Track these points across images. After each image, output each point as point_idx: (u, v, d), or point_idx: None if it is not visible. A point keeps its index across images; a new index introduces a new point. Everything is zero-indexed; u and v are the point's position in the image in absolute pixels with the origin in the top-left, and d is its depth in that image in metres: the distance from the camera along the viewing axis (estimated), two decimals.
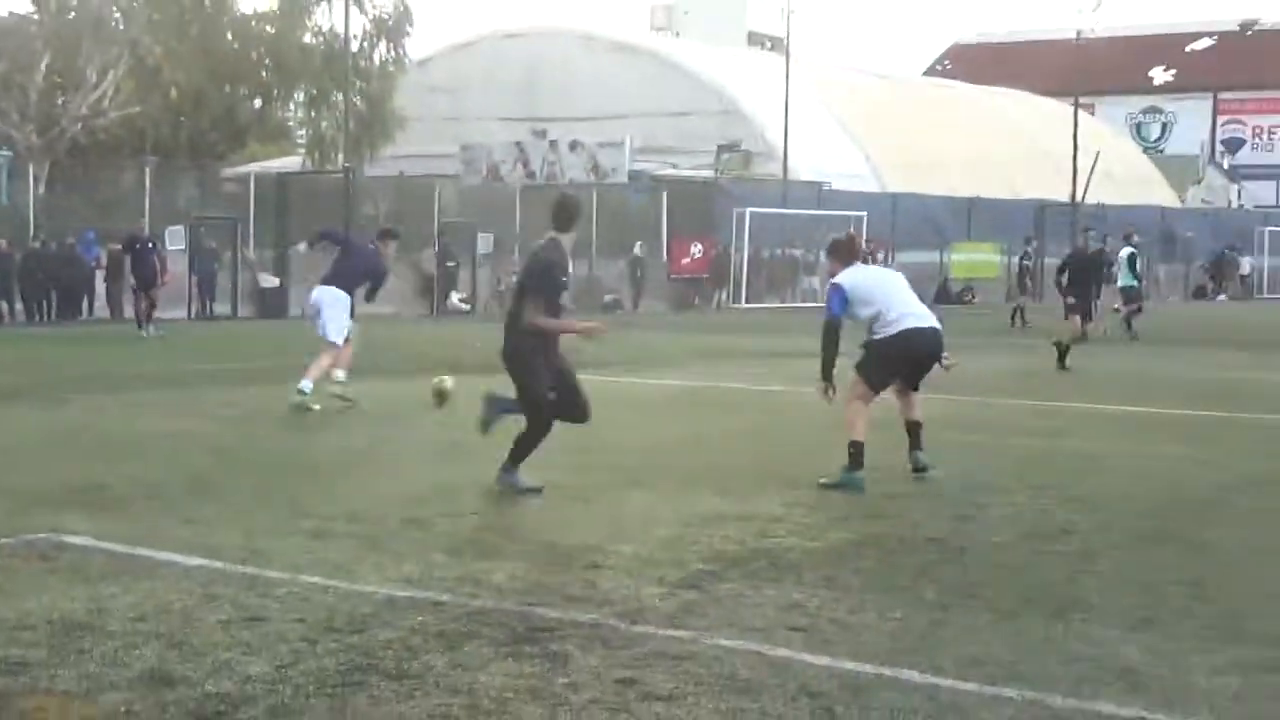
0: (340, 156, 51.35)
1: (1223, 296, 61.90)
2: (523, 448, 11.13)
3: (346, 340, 17.33)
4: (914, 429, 12.18)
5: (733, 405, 18.15)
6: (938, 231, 54.73)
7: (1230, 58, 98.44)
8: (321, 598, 7.70)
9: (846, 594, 7.95)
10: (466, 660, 6.59)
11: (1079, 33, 58.58)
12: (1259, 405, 18.70)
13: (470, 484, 11.37)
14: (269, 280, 40.29)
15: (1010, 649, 6.91)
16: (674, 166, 55.89)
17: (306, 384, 16.65)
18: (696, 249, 48.67)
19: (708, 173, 55.91)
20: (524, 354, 11.04)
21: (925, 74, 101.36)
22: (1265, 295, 65.55)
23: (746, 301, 48.71)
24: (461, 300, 43.43)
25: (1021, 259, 42.36)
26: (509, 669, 6.47)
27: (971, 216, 56.65)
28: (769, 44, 79.68)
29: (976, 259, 55.20)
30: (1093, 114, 78.32)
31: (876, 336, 12.08)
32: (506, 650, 6.74)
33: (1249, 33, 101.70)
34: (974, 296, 52.95)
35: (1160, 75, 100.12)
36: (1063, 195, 59.00)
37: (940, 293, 50.20)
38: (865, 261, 13.55)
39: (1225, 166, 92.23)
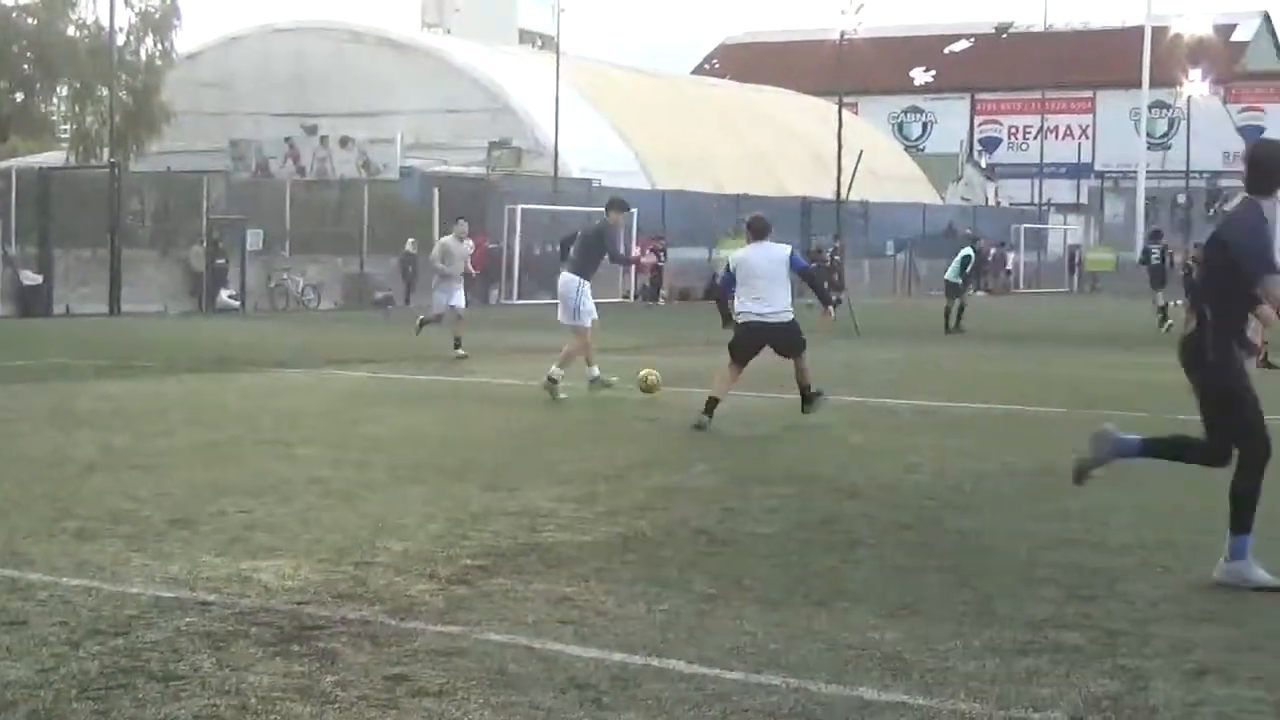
0: (106, 151, 50.35)
1: (981, 292, 63.38)
2: (1246, 500, 8.20)
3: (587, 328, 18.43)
4: (803, 391, 15.60)
5: (501, 401, 18.17)
6: (706, 228, 55.26)
7: (987, 59, 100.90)
8: (85, 600, 7.56)
9: (616, 586, 8.02)
10: (234, 660, 6.53)
11: (843, 33, 59.44)
12: (1035, 398, 19.02)
13: (237, 483, 11.25)
14: (31, 278, 39.29)
15: (775, 637, 7.02)
16: (445, 163, 55.71)
17: (557, 370, 17.78)
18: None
19: (479, 169, 55.83)
20: (1232, 366, 8.32)
21: (694, 72, 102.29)
22: (1021, 289, 67.60)
23: (519, 298, 48.73)
24: (231, 297, 42.80)
25: (832, 254, 46.93)
26: (277, 668, 6.42)
27: (739, 213, 57.33)
28: (540, 42, 79.79)
29: None
30: (856, 113, 79.62)
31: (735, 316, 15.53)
32: (275, 649, 6.70)
33: (1004, 35, 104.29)
34: None
35: (920, 76, 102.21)
36: (827, 192, 59.80)
37: (710, 288, 50.78)
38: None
39: (983, 165, 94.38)
